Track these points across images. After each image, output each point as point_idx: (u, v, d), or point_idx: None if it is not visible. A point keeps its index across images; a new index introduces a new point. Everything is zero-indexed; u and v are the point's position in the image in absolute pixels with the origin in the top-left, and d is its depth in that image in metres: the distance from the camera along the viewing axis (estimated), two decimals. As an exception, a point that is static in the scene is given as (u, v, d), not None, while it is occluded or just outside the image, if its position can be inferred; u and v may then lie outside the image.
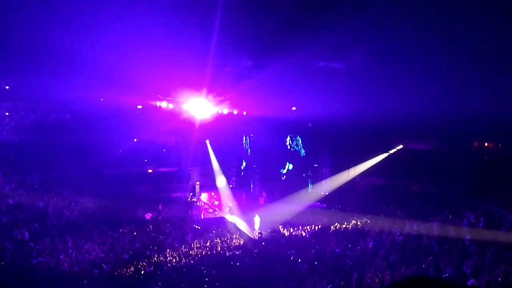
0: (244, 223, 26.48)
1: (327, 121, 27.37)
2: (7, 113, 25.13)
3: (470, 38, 20.24)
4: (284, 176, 33.39)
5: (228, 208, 28.15)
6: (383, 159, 32.07)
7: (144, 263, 18.04)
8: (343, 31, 23.40)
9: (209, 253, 20.02)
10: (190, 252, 20.03)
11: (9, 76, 24.65)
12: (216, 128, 30.94)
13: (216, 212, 29.03)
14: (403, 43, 22.81)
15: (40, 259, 16.97)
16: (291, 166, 33.39)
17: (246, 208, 30.54)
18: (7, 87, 26.46)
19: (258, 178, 33.84)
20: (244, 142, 35.65)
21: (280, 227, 25.19)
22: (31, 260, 16.76)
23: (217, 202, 31.68)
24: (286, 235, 23.40)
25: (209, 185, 33.87)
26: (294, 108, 31.94)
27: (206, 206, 30.62)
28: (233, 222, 26.43)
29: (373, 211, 27.86)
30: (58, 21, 20.51)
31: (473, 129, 24.13)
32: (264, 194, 32.14)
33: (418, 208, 24.74)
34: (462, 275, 13.23)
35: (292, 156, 33.40)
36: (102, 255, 18.66)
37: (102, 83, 22.07)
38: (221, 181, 33.22)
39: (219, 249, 20.58)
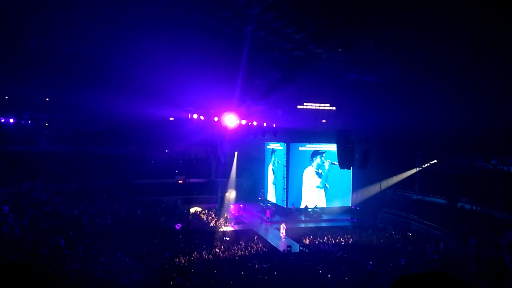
0: (270, 235, 26.45)
1: (359, 132, 26.99)
2: (46, 124, 26.18)
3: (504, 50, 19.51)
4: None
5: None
6: (416, 172, 31.25)
7: (173, 273, 18.19)
8: (377, 43, 23.15)
9: (237, 265, 19.96)
10: (219, 263, 20.05)
11: (48, 89, 25.76)
12: (245, 141, 31.09)
13: (242, 224, 29.08)
14: (436, 57, 22.30)
15: (74, 266, 17.41)
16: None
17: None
18: (47, 99, 27.63)
19: (288, 191, 33.61)
20: (272, 154, 35.61)
21: (308, 240, 24.93)
22: (65, 266, 17.23)
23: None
24: (315, 249, 23.04)
25: (238, 196, 34.02)
26: (324, 121, 31.70)
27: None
28: (261, 234, 26.39)
29: (405, 227, 27.10)
30: (95, 35, 21.33)
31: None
32: (295, 206, 31.88)
33: (454, 226, 23.84)
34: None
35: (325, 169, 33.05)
36: (133, 263, 18.95)
37: (137, 95, 22.68)
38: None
39: (247, 261, 20.49)
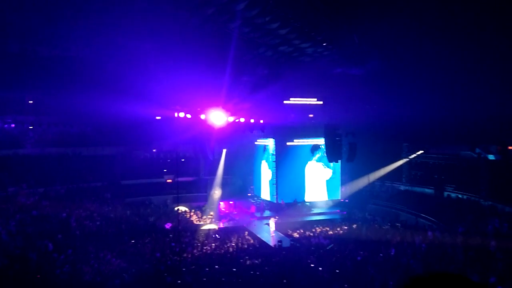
0: (260, 230, 26.58)
1: (346, 126, 27.21)
2: (31, 127, 25.75)
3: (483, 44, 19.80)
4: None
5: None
6: (403, 164, 31.61)
7: (164, 273, 18.14)
8: (361, 37, 23.30)
9: (229, 261, 20.00)
10: (210, 260, 20.05)
11: (31, 91, 25.37)
12: (234, 137, 31.04)
13: (232, 221, 29.09)
14: (420, 50, 22.55)
15: (64, 269, 17.22)
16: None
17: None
18: (30, 102, 27.20)
19: (278, 187, 33.64)
20: (264, 152, 35.49)
21: (297, 234, 25.08)
22: (54, 270, 17.04)
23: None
24: (306, 243, 23.19)
25: (228, 194, 33.93)
26: (311, 115, 31.81)
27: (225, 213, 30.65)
28: (252, 230, 26.48)
29: (394, 218, 27.44)
30: (78, 35, 21.06)
31: (496, 132, 23.55)
32: (284, 201, 31.99)
33: (441, 215, 24.23)
34: (488, 283, 12.86)
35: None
36: (124, 265, 18.83)
37: (122, 95, 22.47)
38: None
39: (238, 257, 20.53)
